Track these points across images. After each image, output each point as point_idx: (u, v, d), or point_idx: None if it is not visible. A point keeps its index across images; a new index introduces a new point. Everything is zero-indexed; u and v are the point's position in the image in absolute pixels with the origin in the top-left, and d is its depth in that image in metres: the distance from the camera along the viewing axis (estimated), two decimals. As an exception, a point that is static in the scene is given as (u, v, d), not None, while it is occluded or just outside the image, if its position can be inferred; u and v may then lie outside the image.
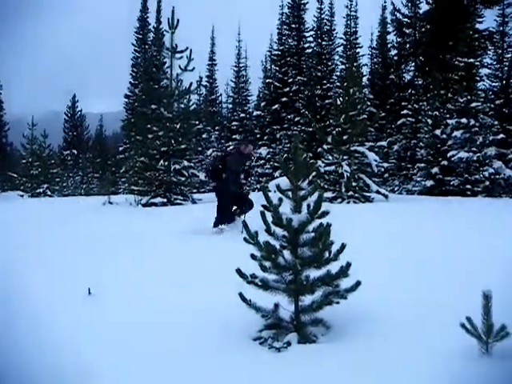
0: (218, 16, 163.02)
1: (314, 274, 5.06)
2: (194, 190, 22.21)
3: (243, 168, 12.15)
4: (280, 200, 5.05)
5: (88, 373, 4.20)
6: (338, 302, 5.05)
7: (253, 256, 5.11)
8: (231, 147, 13.52)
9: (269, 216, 5.10)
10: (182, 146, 20.05)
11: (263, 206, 5.11)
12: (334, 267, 5.01)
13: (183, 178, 19.99)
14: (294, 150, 5.04)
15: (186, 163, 20.16)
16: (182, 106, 20.59)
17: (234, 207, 11.99)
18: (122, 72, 51.47)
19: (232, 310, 5.28)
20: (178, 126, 19.97)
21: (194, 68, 20.04)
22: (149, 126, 20.21)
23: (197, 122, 22.93)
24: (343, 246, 5.05)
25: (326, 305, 5.04)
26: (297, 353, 4.62)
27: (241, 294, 5.06)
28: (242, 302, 5.09)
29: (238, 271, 5.09)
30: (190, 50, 19.89)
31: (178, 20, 20.36)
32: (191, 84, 20.33)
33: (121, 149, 42.94)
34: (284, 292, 5.07)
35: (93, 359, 4.54)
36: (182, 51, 20.11)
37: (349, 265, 4.94)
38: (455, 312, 4.14)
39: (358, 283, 4.94)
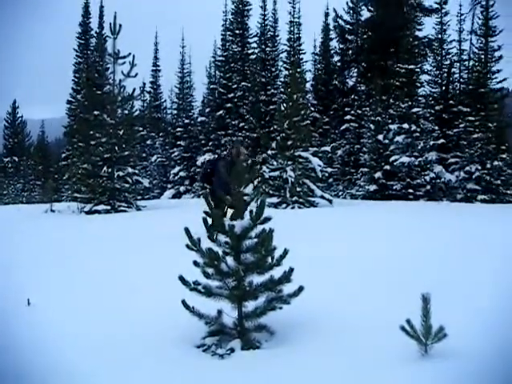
0: (161, 22, 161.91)
1: (257, 279, 5.05)
2: (139, 197, 21.97)
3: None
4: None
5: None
6: (281, 308, 5.06)
7: (195, 263, 5.07)
8: (225, 152, 13.05)
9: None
10: (126, 153, 19.83)
11: (205, 212, 5.09)
12: (277, 273, 5.02)
13: (127, 185, 19.75)
14: (236, 156, 5.03)
15: (129, 170, 19.92)
16: (126, 112, 20.36)
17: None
18: (64, 77, 50.66)
19: (179, 317, 5.22)
20: (121, 133, 19.73)
21: (137, 74, 19.84)
22: (91, 132, 19.90)
23: (141, 129, 22.78)
24: (286, 252, 5.06)
25: (270, 310, 5.04)
26: (240, 359, 4.61)
27: (184, 302, 5.02)
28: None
29: (181, 278, 5.05)
30: (133, 56, 19.69)
31: (120, 25, 20.12)
32: (134, 90, 20.14)
33: (63, 155, 42.18)
34: (227, 298, 5.05)
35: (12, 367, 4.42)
36: (124, 57, 19.89)
37: (291, 270, 4.96)
38: (398, 314, 4.19)
39: (300, 288, 4.96)
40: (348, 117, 33.29)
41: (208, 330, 5.13)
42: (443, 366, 3.78)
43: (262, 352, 4.77)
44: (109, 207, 18.91)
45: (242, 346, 4.89)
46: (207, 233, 5.13)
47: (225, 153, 12.40)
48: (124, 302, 6.31)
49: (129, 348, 4.98)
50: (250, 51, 38.09)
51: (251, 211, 5.02)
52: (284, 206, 18.70)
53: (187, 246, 5.10)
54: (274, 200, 18.94)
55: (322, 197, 19.18)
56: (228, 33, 38.36)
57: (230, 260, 5.06)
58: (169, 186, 35.88)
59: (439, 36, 33.91)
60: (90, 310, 6.16)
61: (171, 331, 5.27)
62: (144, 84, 39.59)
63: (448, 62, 33.98)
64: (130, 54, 19.84)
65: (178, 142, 36.36)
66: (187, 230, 5.18)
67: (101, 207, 18.82)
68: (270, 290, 5.04)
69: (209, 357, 4.71)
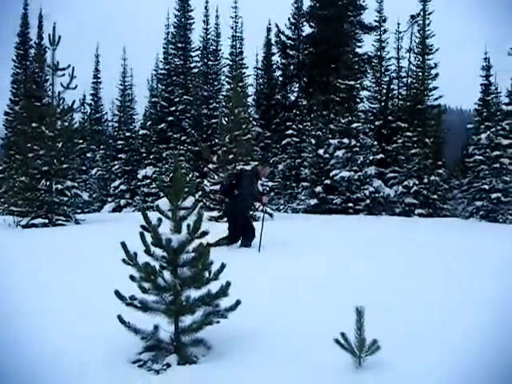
0: (102, 34, 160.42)
1: (194, 294, 5.02)
2: (78, 211, 21.63)
3: (257, 191, 11.99)
4: (159, 220, 5.00)
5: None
6: (218, 322, 5.04)
7: (132, 277, 5.01)
8: (247, 167, 13.04)
9: (148, 237, 5.03)
10: (65, 166, 19.49)
11: (142, 226, 5.04)
12: (214, 287, 5.01)
13: (66, 198, 19.40)
14: (174, 169, 5.02)
15: (68, 183, 19.58)
16: (65, 124, 20.02)
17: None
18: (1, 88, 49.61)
19: (115, 333, 5.14)
20: (60, 145, 19.38)
21: (76, 86, 19.56)
22: (29, 144, 19.49)
23: (80, 141, 22.45)
24: (223, 266, 5.06)
25: (207, 325, 5.01)
26: (176, 374, 4.56)
27: (119, 317, 4.94)
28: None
29: (117, 293, 4.98)
30: (73, 68, 19.41)
31: (59, 37, 19.82)
32: (74, 102, 19.86)
33: (0, 168, 41.25)
34: (164, 313, 5.00)
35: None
36: (64, 68, 19.59)
37: (228, 284, 4.95)
38: (334, 327, 4.23)
39: (237, 302, 4.96)
40: (289, 131, 33.62)
41: (144, 345, 5.07)
42: (373, 379, 3.83)
43: (198, 367, 4.73)
44: (46, 221, 18.54)
45: (178, 360, 4.84)
46: (144, 247, 5.08)
47: (249, 168, 12.52)
48: (54, 318, 6.17)
49: (58, 365, 4.86)
50: (192, 65, 38.19)
51: (188, 225, 5.00)
52: (225, 219, 18.68)
53: (123, 260, 5.04)
54: (215, 214, 18.91)
55: (265, 211, 19.21)
56: (170, 46, 38.34)
57: (167, 274, 5.02)
58: (109, 199, 35.38)
59: (378, 53, 34.69)
60: (18, 318, 6.01)
61: (105, 346, 5.18)
62: (84, 96, 39.18)
63: (387, 78, 34.78)
64: (69, 65, 19.56)
65: (119, 155, 35.92)
66: (124, 245, 5.11)
67: (38, 221, 18.44)
68: (207, 304, 5.01)
69: (144, 372, 4.64)
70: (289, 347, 4.95)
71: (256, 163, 12.82)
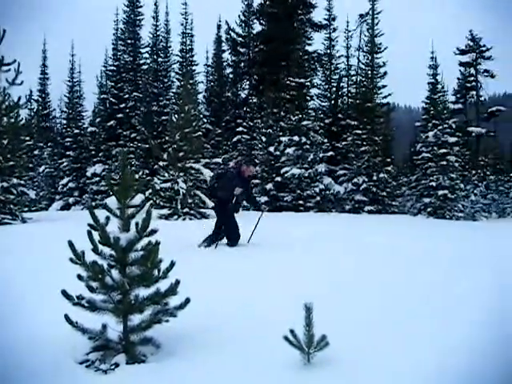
0: (49, 29, 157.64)
1: (143, 292, 4.98)
2: (25, 209, 21.21)
3: (245, 191, 11.58)
4: (107, 218, 4.94)
5: None
6: (167, 320, 5.00)
7: (79, 277, 4.93)
8: (232, 164, 12.50)
9: (97, 235, 4.96)
10: (11, 163, 19.10)
11: (89, 225, 4.96)
12: (163, 285, 4.97)
13: (12, 197, 19.01)
14: (123, 167, 4.96)
15: (15, 181, 19.19)
16: (11, 120, 19.59)
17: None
18: None
19: (62, 332, 5.05)
20: (5, 142, 18.99)
21: (22, 82, 19.13)
22: (-27, 141, 19.08)
23: (27, 138, 22.01)
24: (172, 264, 5.02)
25: (155, 323, 4.97)
26: (124, 374, 4.51)
27: (66, 316, 4.86)
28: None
29: (64, 293, 4.90)
30: (18, 63, 18.97)
31: (4, 30, 19.35)
32: (20, 98, 19.43)
33: None
34: (112, 312, 4.94)
35: None
36: (9, 64, 19.15)
37: (178, 282, 4.92)
38: (285, 325, 4.24)
39: (187, 300, 4.93)
40: (240, 128, 33.63)
41: (92, 345, 5.00)
42: (320, 375, 3.86)
43: (147, 366, 4.69)
44: (-9, 219, 18.16)
45: (126, 360, 4.79)
46: (92, 245, 5.01)
47: (231, 164, 12.09)
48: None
49: (2, 367, 4.75)
50: (141, 61, 37.74)
51: (137, 223, 4.95)
52: (175, 217, 18.60)
53: (71, 259, 4.96)
54: (166, 212, 18.81)
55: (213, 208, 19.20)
56: (120, 42, 37.81)
57: (115, 273, 4.95)
58: (57, 197, 34.83)
59: (328, 51, 35.00)
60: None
61: (52, 347, 5.09)
62: (31, 92, 38.38)
63: (337, 76, 35.13)
64: (14, 60, 19.12)
65: (68, 153, 35.36)
66: (70, 243, 5.03)
67: (-18, 219, 18.04)
68: (156, 303, 4.97)
69: (92, 373, 4.59)
70: (238, 345, 4.94)
71: (240, 159, 12.53)
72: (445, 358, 4.23)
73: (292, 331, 4.02)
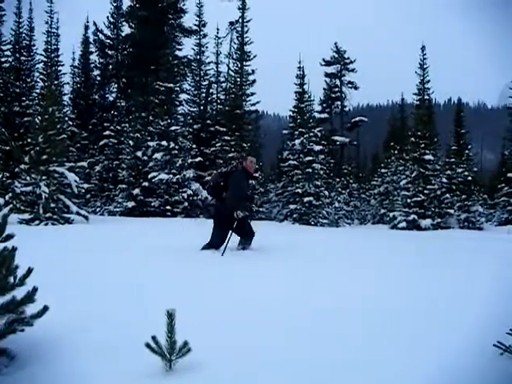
0: None
1: (-2, 301, 4.71)
2: None
3: (248, 189, 10.46)
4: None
5: None
6: (22, 330, 4.76)
7: None
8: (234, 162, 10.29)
9: None
10: None
11: None
12: (20, 293, 4.73)
13: None
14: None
15: None
16: None
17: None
18: None
19: None
20: None
21: None
22: None
23: None
24: (30, 270, 4.79)
25: (10, 333, 4.72)
26: (-26, 388, 4.25)
27: None
28: None
29: None
30: None
31: None
32: None
33: None
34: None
35: None
36: None
37: (35, 290, 4.69)
38: (148, 331, 4.14)
39: (45, 308, 4.71)
40: (107, 132, 32.97)
41: None
42: (179, 381, 3.81)
43: (0, 378, 4.45)
44: None
45: (-23, 373, 4.52)
46: None
47: (234, 164, 10.20)
48: None
49: None
50: (3, 59, 36.06)
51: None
52: (37, 222, 17.89)
53: None
54: (26, 216, 18.06)
55: (78, 213, 18.69)
56: (-22, 39, 36.01)
57: (-34, 281, 4.66)
58: None
59: (198, 57, 35.13)
60: None
61: None
62: None
63: (206, 82, 35.31)
64: None
65: None
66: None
67: None
68: (11, 311, 4.73)
69: None
70: (97, 353, 4.78)
71: (243, 155, 10.69)
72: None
73: (154, 338, 3.93)
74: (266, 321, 5.25)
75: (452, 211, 29.07)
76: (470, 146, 35.30)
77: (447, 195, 29.28)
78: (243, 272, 7.86)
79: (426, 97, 33.60)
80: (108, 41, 38.14)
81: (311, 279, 7.39)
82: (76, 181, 19.11)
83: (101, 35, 38.02)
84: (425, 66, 32.99)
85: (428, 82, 33.25)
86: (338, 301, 5.98)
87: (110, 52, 38.22)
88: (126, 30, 37.37)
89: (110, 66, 38.25)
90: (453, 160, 31.62)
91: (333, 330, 4.87)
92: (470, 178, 30.99)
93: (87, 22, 39.02)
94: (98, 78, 38.75)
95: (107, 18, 38.07)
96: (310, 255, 10.13)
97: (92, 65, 39.07)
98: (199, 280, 7.41)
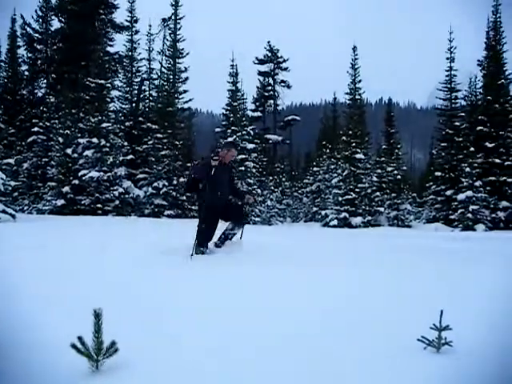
0: None
1: None
2: None
3: (230, 177, 9.73)
4: None
5: None
6: None
7: None
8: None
9: None
10: None
11: None
12: None
13: None
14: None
15: None
16: None
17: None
18: None
19: None
20: None
21: None
22: None
23: None
24: None
25: None
26: None
27: None
28: None
29: None
30: None
31: None
32: None
33: None
34: None
35: None
36: None
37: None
38: (75, 330, 3.98)
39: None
40: (36, 129, 32.06)
41: None
42: (105, 381, 3.69)
43: None
44: None
45: None
46: None
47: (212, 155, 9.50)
48: None
49: None
50: None
51: None
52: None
53: None
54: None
55: (4, 212, 18.13)
56: None
57: None
58: None
59: (130, 53, 34.59)
60: None
61: None
62: None
63: (138, 79, 34.85)
64: None
65: None
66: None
67: None
68: None
69: None
70: (18, 355, 4.58)
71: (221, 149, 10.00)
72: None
73: (80, 338, 3.78)
74: (200, 318, 5.14)
75: (382, 209, 29.59)
76: (400, 146, 35.94)
77: (377, 193, 29.81)
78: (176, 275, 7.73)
79: (358, 96, 33.95)
80: (36, 35, 37.08)
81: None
82: (2, 178, 18.56)
83: (29, 29, 36.93)
84: (356, 66, 33.33)
85: (359, 81, 33.62)
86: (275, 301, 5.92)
87: (38, 46, 37.16)
88: (56, 24, 36.53)
89: (39, 61, 37.23)
90: (383, 159, 32.10)
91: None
92: (399, 176, 31.53)
93: (14, 14, 37.86)
94: (26, 73, 37.66)
95: (35, 11, 37.03)
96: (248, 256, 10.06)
97: (20, 59, 37.91)
98: (136, 281, 7.26)
